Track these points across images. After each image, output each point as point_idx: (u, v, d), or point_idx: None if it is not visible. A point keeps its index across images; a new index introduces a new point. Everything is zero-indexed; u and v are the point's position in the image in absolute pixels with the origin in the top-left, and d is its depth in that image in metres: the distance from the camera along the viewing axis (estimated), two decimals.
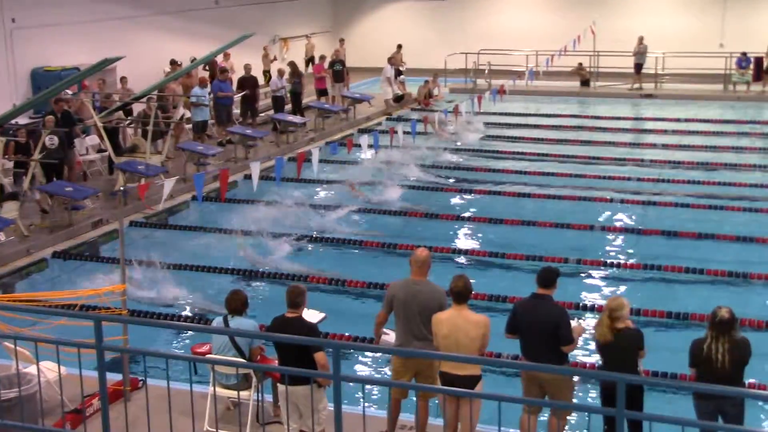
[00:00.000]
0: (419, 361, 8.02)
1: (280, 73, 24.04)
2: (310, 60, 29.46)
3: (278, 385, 7.93)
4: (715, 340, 7.37)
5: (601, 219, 16.25)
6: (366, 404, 7.19)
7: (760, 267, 13.36)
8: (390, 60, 27.59)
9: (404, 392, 8.32)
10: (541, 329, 7.75)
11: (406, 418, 8.44)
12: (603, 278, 13.47)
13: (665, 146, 21.81)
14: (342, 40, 30.39)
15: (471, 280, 7.81)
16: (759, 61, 28.99)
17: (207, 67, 24.16)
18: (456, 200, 17.74)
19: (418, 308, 7.94)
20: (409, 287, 8.07)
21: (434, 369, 7.91)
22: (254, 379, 8.18)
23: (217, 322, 8.44)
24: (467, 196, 17.80)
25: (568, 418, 8.36)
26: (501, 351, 9.55)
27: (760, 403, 9.55)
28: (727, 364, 7.30)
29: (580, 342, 8.38)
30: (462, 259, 14.20)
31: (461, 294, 7.67)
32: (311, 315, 8.92)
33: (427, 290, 8.02)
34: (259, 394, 8.30)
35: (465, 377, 7.52)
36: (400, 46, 30.18)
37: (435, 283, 8.17)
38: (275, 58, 29.39)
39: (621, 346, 7.61)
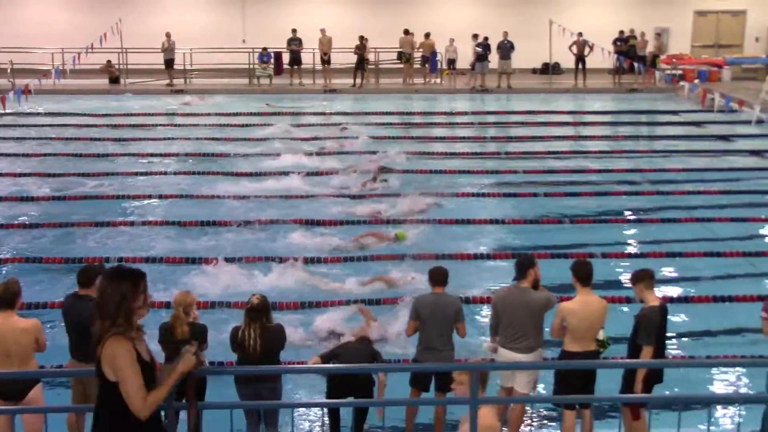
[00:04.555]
0: None
1: None
2: None
3: None
4: (249, 327, 7.78)
5: (220, 215, 15.73)
6: None
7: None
8: None
9: None
10: (81, 327, 7.65)
11: None
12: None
13: (200, 139, 22.24)
14: None
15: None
16: (279, 55, 30.98)
17: None
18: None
19: None
20: None
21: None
22: None
23: None
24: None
25: None
26: None
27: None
28: (259, 349, 7.70)
29: None
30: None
31: (2, 300, 7.45)
32: None
33: None
34: None
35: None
36: None
37: None
38: None
39: (188, 341, 7.72)
